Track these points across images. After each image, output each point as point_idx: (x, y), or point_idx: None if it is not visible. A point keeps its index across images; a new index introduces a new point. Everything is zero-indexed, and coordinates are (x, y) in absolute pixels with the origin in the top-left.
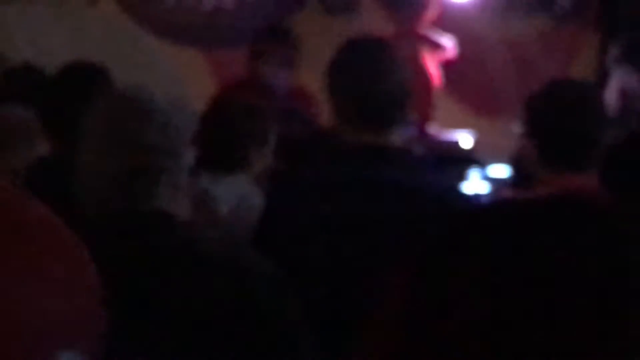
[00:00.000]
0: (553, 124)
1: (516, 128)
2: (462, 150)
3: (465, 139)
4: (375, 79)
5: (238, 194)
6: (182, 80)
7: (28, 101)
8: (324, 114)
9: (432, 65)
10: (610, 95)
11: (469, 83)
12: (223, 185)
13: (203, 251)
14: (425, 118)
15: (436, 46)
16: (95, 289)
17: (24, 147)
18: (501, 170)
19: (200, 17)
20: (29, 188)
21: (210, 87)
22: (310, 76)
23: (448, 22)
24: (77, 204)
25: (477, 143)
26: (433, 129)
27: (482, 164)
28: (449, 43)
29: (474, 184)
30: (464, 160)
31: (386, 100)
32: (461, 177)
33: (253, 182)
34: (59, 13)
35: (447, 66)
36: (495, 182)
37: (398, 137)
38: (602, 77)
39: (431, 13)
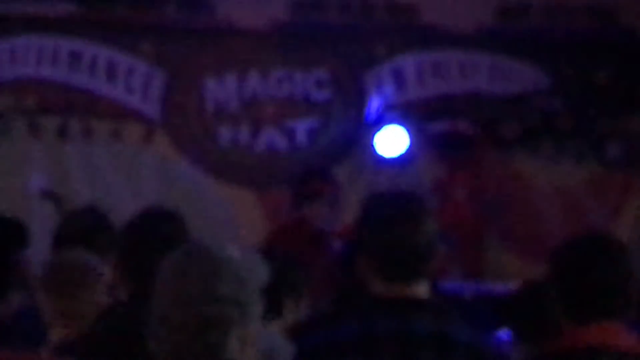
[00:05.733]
0: (579, 277)
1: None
2: None
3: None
4: (401, 234)
5: (269, 344)
6: (235, 219)
7: (92, 245)
8: None
9: (482, 209)
10: None
11: (519, 228)
12: None
13: None
14: (473, 263)
15: (487, 190)
16: None
17: (92, 292)
18: None
19: (253, 157)
20: (102, 335)
21: (262, 227)
22: None
23: (499, 166)
24: (149, 352)
25: None
26: (484, 277)
27: None
28: (498, 187)
29: None
30: None
31: (413, 254)
32: None
33: (284, 334)
34: (115, 151)
35: (498, 210)
36: None
37: (424, 288)
38: None
39: (481, 158)
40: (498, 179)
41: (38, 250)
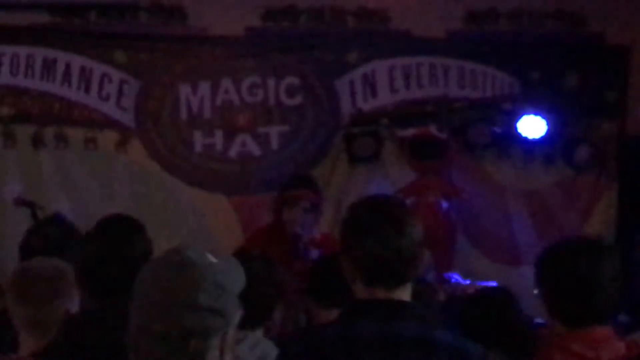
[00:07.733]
0: (567, 285)
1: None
2: None
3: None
4: (386, 239)
5: (261, 352)
6: (209, 225)
7: (58, 253)
8: None
9: (452, 212)
10: None
11: (490, 231)
12: (247, 344)
13: None
14: (445, 265)
15: (457, 194)
16: None
17: (63, 300)
18: None
19: (227, 164)
20: (69, 342)
21: (236, 233)
22: (336, 222)
23: (469, 170)
24: None
25: None
26: (454, 277)
27: None
28: (469, 191)
29: None
30: None
31: (398, 259)
32: None
33: (266, 336)
34: (89, 158)
35: (468, 213)
36: None
37: (408, 292)
38: (621, 229)
39: (452, 162)
40: (468, 183)
41: (12, 258)
